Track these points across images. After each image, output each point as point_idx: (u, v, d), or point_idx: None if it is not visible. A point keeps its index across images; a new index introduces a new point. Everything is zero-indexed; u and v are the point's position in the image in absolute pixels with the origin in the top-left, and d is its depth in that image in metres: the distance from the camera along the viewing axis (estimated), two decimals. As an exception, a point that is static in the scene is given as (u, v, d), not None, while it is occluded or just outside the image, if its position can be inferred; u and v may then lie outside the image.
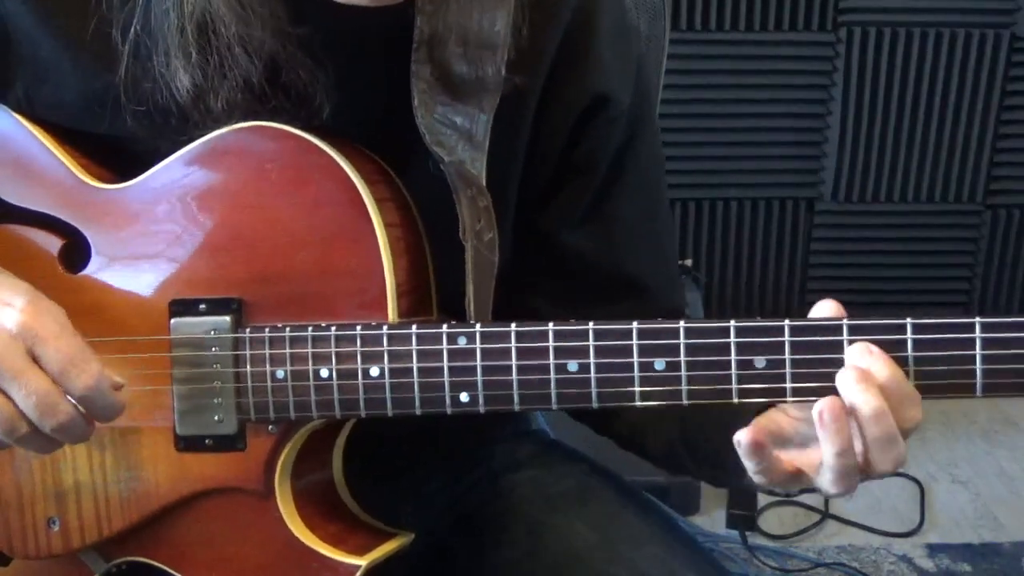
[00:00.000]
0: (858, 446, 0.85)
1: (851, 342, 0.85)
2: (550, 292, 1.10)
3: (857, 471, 0.86)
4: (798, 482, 0.90)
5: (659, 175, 1.15)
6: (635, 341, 0.88)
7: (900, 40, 2.88)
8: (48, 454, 0.98)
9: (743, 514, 2.23)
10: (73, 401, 0.88)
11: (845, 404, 0.84)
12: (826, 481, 0.87)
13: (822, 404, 0.83)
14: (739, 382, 0.87)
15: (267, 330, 0.95)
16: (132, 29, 0.97)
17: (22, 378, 0.86)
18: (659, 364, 0.87)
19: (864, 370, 0.83)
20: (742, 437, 0.86)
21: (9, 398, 0.87)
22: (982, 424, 2.85)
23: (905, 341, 0.84)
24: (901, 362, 0.84)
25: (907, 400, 0.84)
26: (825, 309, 0.88)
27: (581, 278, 1.10)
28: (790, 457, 0.89)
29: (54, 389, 0.87)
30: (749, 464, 0.88)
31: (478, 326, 0.91)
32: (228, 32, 0.93)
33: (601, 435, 1.15)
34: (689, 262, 2.47)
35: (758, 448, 0.86)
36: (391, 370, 0.92)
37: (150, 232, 0.98)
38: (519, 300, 1.07)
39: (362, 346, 0.92)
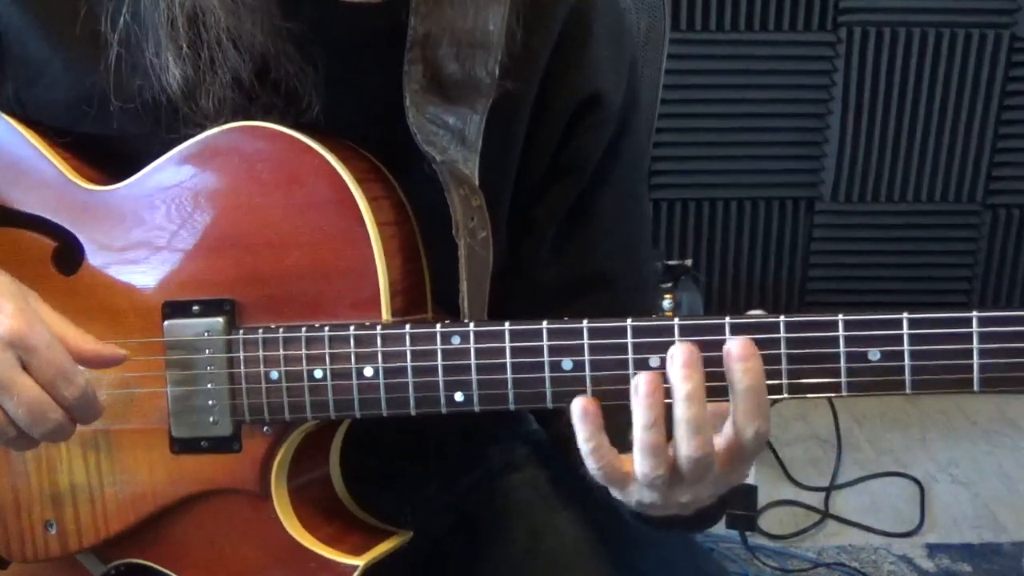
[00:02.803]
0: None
1: (848, 338, 0.84)
2: (522, 289, 1.08)
3: (665, 461, 0.83)
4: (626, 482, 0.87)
5: (641, 178, 1.15)
6: (629, 339, 0.87)
7: (900, 40, 2.88)
8: (28, 451, 0.98)
9: (743, 514, 2.21)
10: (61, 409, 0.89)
11: (663, 380, 0.82)
12: (637, 462, 0.83)
13: (640, 376, 0.82)
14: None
15: (261, 331, 0.94)
16: (121, 18, 0.96)
17: (13, 388, 0.87)
18: (654, 361, 0.86)
19: (691, 354, 0.82)
20: (576, 403, 0.84)
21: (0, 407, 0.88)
22: (982, 424, 2.85)
23: (902, 336, 0.83)
24: (898, 356, 0.83)
25: (756, 408, 0.82)
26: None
27: (554, 275, 1.09)
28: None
29: (45, 398, 0.88)
30: (583, 449, 0.85)
31: (472, 325, 0.90)
32: (218, 25, 0.93)
33: (544, 429, 1.15)
34: (689, 262, 2.46)
35: (586, 416, 0.84)
36: (385, 370, 0.92)
37: (142, 234, 0.98)
38: (499, 296, 1.06)
39: (356, 346, 0.92)
